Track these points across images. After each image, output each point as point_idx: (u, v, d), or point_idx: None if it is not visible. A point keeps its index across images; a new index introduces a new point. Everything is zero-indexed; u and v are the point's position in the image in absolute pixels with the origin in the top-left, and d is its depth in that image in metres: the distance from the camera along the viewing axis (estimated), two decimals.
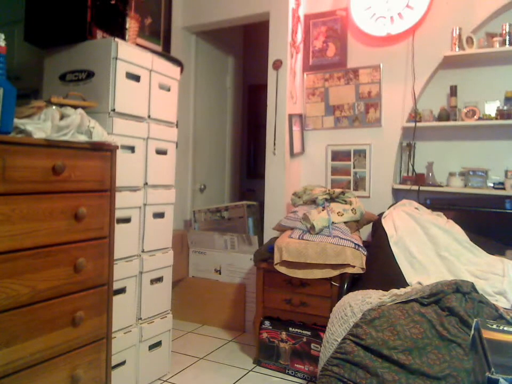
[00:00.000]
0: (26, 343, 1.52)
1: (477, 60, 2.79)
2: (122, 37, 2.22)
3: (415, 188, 2.82)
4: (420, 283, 2.03)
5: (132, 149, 2.14)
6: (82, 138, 1.71)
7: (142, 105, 2.19)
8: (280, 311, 2.53)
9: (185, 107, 3.50)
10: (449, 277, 2.06)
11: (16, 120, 1.53)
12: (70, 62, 2.12)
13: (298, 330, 2.45)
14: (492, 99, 2.74)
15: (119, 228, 2.02)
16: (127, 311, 2.16)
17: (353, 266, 2.29)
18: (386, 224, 2.44)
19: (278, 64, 3.06)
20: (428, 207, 2.60)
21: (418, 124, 2.83)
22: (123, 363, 2.14)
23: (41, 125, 1.59)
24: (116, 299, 1.99)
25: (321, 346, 1.87)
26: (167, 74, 2.36)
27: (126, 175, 2.08)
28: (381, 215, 2.64)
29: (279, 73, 3.06)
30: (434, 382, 1.41)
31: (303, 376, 2.44)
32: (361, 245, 2.37)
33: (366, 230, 2.87)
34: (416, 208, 2.54)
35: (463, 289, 1.68)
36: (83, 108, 1.80)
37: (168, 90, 2.38)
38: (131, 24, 2.29)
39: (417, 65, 2.86)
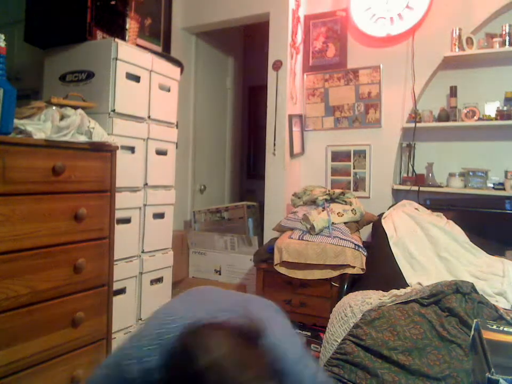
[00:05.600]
0: (26, 344, 1.52)
1: (476, 61, 2.79)
2: (122, 37, 2.22)
3: (415, 188, 2.82)
4: (419, 284, 2.03)
5: (131, 149, 2.14)
6: (82, 138, 1.71)
7: (142, 106, 2.20)
8: None
9: (185, 107, 3.50)
10: (449, 277, 2.06)
11: (16, 121, 1.53)
12: (70, 63, 2.12)
13: (298, 331, 2.45)
14: (492, 99, 2.74)
15: (119, 229, 2.02)
16: (127, 311, 2.15)
17: (353, 267, 2.29)
18: (386, 224, 2.44)
19: (278, 65, 3.06)
20: (427, 207, 2.60)
21: (418, 125, 2.83)
22: None
23: (41, 125, 1.60)
24: (116, 299, 1.99)
25: (321, 347, 1.87)
26: (167, 74, 2.36)
27: (126, 176, 2.09)
28: (381, 215, 2.63)
29: (279, 74, 3.06)
30: (434, 383, 1.41)
31: None
32: (361, 246, 2.37)
33: (366, 231, 2.87)
34: (416, 209, 2.54)
35: (463, 290, 1.68)
36: (83, 108, 1.80)
37: (168, 90, 2.38)
38: (131, 25, 2.30)
39: (417, 66, 2.86)
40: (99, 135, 1.76)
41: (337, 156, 3.16)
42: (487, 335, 1.07)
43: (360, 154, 3.07)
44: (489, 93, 2.76)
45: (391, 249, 2.28)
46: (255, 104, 4.72)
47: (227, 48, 4.06)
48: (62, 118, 1.69)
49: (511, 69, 2.73)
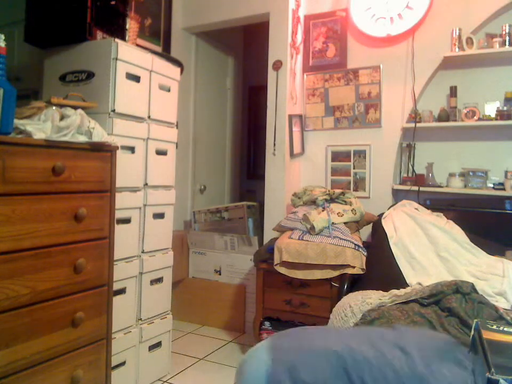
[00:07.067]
0: (26, 344, 1.52)
1: (476, 61, 2.79)
2: (122, 37, 2.22)
3: (415, 188, 2.82)
4: (419, 284, 2.03)
5: (132, 149, 2.14)
6: (82, 138, 1.71)
7: (142, 106, 2.19)
8: (280, 311, 2.53)
9: (185, 107, 3.50)
10: (449, 277, 2.06)
11: (16, 121, 1.53)
12: (70, 63, 2.12)
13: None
14: (492, 100, 2.74)
15: (119, 229, 2.02)
16: (127, 311, 2.15)
17: (353, 267, 2.29)
18: (386, 224, 2.44)
19: (278, 65, 3.06)
20: (427, 207, 2.60)
21: (418, 125, 2.83)
22: (123, 363, 2.14)
23: (41, 125, 1.60)
24: (116, 300, 1.99)
25: None
26: (167, 74, 2.36)
27: (126, 176, 2.09)
28: (381, 215, 2.64)
29: (279, 74, 3.06)
30: None
31: None
32: (361, 246, 2.37)
33: (366, 231, 2.87)
34: (416, 209, 2.54)
35: (463, 290, 1.68)
36: (83, 108, 1.80)
37: (168, 90, 2.38)
38: (131, 25, 2.29)
39: (417, 66, 2.87)
40: (99, 135, 1.76)
41: (337, 156, 3.16)
42: (487, 335, 1.07)
43: (360, 154, 3.07)
44: (489, 93, 2.76)
45: (391, 249, 2.28)
46: (255, 104, 4.72)
47: (227, 48, 4.06)
48: (62, 118, 1.69)
49: (511, 69, 2.74)
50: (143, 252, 2.25)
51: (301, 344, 1.18)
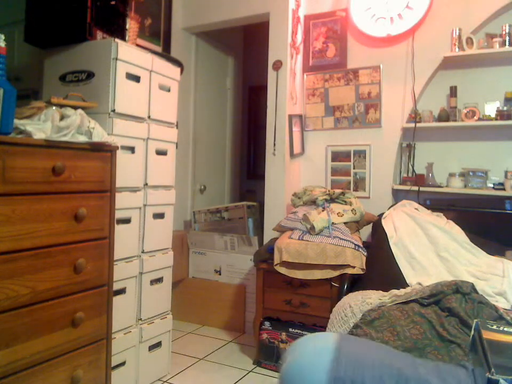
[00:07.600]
0: (26, 344, 1.52)
1: (477, 61, 2.79)
2: (122, 37, 2.22)
3: (415, 188, 2.82)
4: (419, 284, 2.03)
5: (132, 149, 2.14)
6: (82, 138, 1.71)
7: (142, 106, 2.19)
8: (280, 311, 2.53)
9: (185, 107, 3.50)
10: (449, 277, 2.06)
11: (16, 121, 1.53)
12: (70, 63, 2.12)
13: (298, 331, 2.45)
14: (492, 100, 2.74)
15: (119, 229, 2.02)
16: (127, 311, 2.16)
17: (353, 267, 2.29)
18: (386, 224, 2.44)
19: (278, 65, 3.06)
20: (427, 207, 2.60)
21: (418, 125, 2.83)
22: (123, 364, 2.13)
23: (41, 125, 1.60)
24: (116, 300, 1.99)
25: None
26: (167, 75, 2.36)
27: (126, 176, 2.09)
28: (381, 215, 2.63)
29: (279, 74, 3.06)
30: None
31: None
32: (361, 246, 2.37)
33: (366, 231, 2.87)
34: (416, 209, 2.54)
35: (463, 290, 1.68)
36: (83, 108, 1.80)
37: (168, 90, 2.38)
38: (131, 25, 2.30)
39: (417, 66, 2.87)
40: (99, 135, 1.76)
41: (337, 156, 3.16)
42: (487, 335, 1.07)
43: (360, 154, 3.07)
44: (489, 93, 2.76)
45: (391, 249, 2.28)
46: (255, 104, 4.72)
47: (227, 48, 4.06)
48: (62, 118, 1.69)
49: (511, 69, 2.74)
50: (143, 252, 2.25)
51: (373, 355, 1.12)
